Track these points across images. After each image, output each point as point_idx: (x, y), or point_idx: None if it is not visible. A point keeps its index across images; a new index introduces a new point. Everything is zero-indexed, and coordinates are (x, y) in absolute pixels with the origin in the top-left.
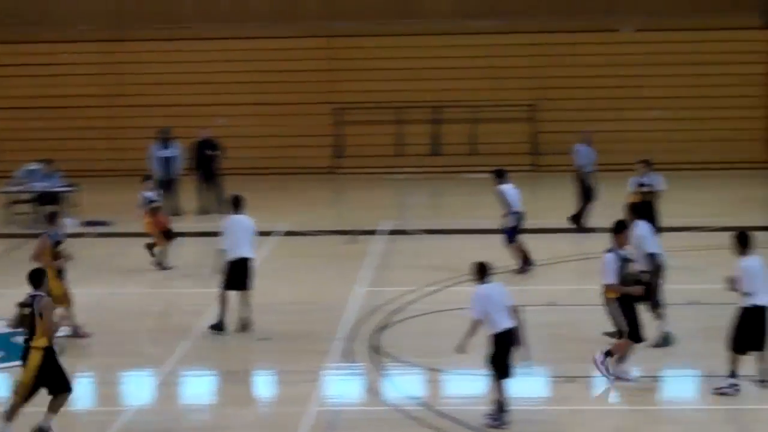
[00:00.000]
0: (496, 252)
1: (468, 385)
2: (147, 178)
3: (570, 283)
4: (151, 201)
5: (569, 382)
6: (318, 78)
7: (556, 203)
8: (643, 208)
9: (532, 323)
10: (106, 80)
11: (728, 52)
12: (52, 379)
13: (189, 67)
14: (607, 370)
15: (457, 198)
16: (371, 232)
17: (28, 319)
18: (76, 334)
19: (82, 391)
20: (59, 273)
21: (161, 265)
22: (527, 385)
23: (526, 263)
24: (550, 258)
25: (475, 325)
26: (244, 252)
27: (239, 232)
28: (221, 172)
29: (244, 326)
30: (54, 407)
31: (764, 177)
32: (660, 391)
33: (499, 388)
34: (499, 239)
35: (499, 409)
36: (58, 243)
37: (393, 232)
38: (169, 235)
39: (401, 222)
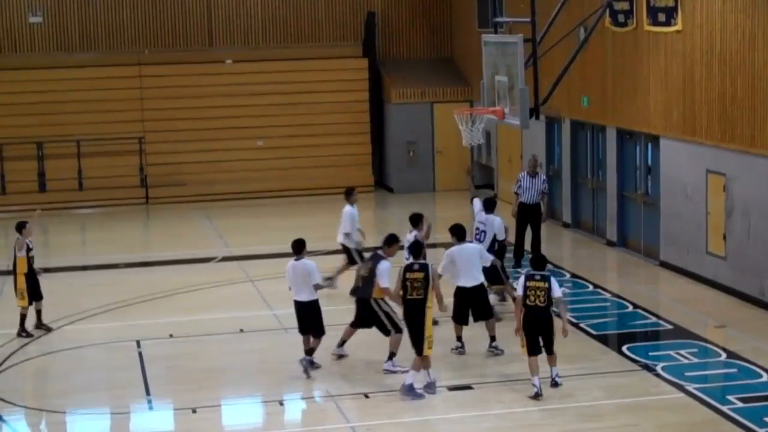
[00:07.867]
0: (111, 288)
1: (88, 424)
2: None
3: (185, 315)
4: None
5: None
6: None
7: (170, 234)
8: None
9: (151, 356)
10: None
11: (331, 80)
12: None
13: None
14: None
15: (66, 235)
16: None
17: (422, 282)
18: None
19: None
20: None
21: None
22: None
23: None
24: (168, 290)
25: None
26: None
27: None
28: None
29: None
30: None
31: (370, 200)
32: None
33: None
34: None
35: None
36: None
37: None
38: None
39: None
